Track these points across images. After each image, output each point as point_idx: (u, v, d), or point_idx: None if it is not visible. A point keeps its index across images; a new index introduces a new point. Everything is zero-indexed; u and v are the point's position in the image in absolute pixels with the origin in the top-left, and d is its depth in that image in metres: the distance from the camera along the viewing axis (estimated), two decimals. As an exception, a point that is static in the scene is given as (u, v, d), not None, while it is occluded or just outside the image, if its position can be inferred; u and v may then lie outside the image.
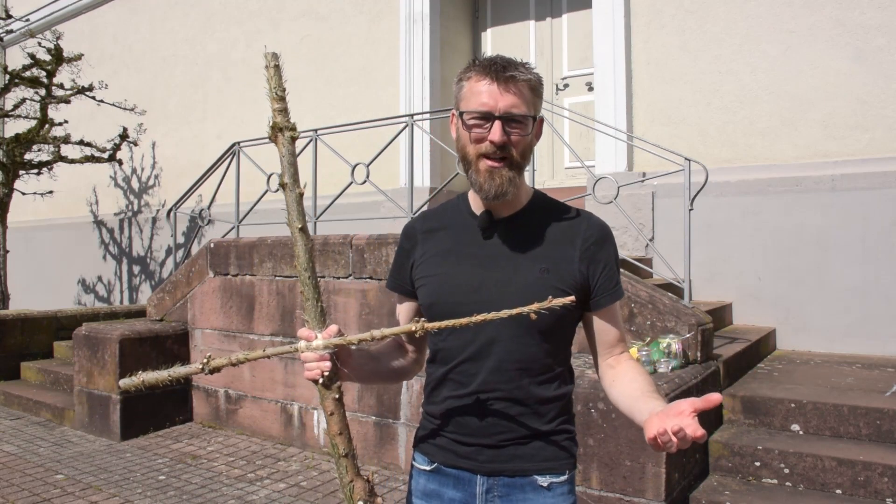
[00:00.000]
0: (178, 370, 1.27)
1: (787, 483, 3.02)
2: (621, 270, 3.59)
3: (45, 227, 10.37)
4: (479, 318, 1.17)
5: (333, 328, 1.26)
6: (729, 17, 5.00)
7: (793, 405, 3.29)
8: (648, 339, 3.34)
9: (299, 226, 1.27)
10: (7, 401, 5.92)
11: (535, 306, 1.15)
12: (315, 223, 5.22)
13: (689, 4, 5.17)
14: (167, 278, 5.83)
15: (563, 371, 1.40)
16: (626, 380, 1.35)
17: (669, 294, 3.57)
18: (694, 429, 1.03)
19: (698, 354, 3.31)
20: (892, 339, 4.34)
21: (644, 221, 5.19)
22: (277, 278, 4.76)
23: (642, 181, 4.77)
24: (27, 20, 8.86)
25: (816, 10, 4.68)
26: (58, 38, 7.60)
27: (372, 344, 1.36)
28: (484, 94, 1.27)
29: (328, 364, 1.25)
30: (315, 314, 1.27)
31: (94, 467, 4.26)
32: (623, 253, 4.86)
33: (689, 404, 1.07)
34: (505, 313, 1.17)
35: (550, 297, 1.15)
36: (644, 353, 3.12)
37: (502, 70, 1.27)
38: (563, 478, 1.36)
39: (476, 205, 1.40)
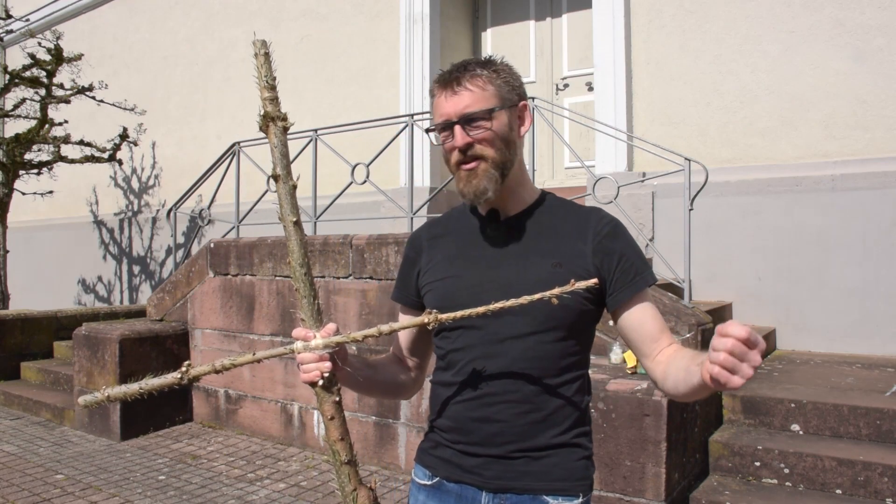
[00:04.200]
0: (150, 382, 1.15)
1: (787, 483, 3.02)
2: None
3: (45, 227, 10.36)
4: (498, 305, 1.11)
5: (332, 326, 1.18)
6: (729, 17, 5.00)
7: (793, 405, 3.30)
8: (648, 339, 3.34)
9: (293, 219, 1.20)
10: (7, 401, 5.92)
11: (556, 290, 1.09)
12: (315, 223, 5.22)
13: (689, 4, 5.17)
14: (167, 278, 5.83)
15: (580, 377, 1.31)
16: (674, 362, 1.22)
17: (669, 294, 3.57)
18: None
19: (698, 354, 3.31)
20: (892, 339, 4.34)
21: (644, 221, 5.19)
22: (277, 278, 4.76)
23: (642, 181, 4.77)
24: (27, 20, 8.85)
25: (816, 10, 4.68)
26: (58, 38, 7.60)
27: (375, 349, 1.33)
28: (440, 106, 1.28)
29: (328, 364, 1.16)
30: (311, 312, 1.18)
31: (94, 467, 4.26)
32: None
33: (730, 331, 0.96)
34: (525, 299, 1.10)
35: (573, 280, 1.09)
36: (644, 352, 3.12)
37: (449, 76, 1.28)
38: (576, 501, 1.26)
39: (482, 207, 1.35)
